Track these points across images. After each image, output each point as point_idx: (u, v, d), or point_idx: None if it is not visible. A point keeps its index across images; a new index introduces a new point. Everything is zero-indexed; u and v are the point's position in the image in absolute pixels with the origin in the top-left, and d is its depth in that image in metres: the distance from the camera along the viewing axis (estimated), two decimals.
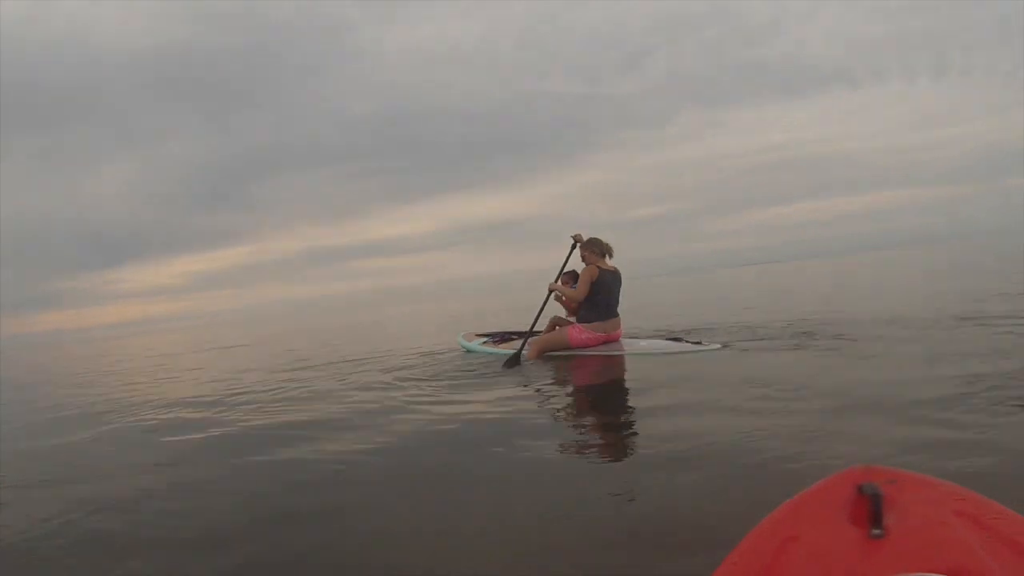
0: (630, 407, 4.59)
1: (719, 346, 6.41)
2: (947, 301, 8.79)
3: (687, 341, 6.66)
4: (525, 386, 5.69)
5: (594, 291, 6.95)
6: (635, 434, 3.81)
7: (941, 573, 0.93)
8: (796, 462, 2.74)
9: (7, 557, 2.63)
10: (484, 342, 8.38)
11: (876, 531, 1.00)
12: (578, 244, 7.28)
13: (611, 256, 7.15)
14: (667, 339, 6.90)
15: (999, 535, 0.99)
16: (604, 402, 4.99)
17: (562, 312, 8.07)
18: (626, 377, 5.78)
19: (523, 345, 7.28)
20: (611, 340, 7.04)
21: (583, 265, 7.15)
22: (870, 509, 1.01)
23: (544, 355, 7.09)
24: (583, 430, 4.14)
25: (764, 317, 9.03)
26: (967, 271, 17.01)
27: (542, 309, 7.49)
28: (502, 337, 8.48)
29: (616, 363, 6.38)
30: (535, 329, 7.67)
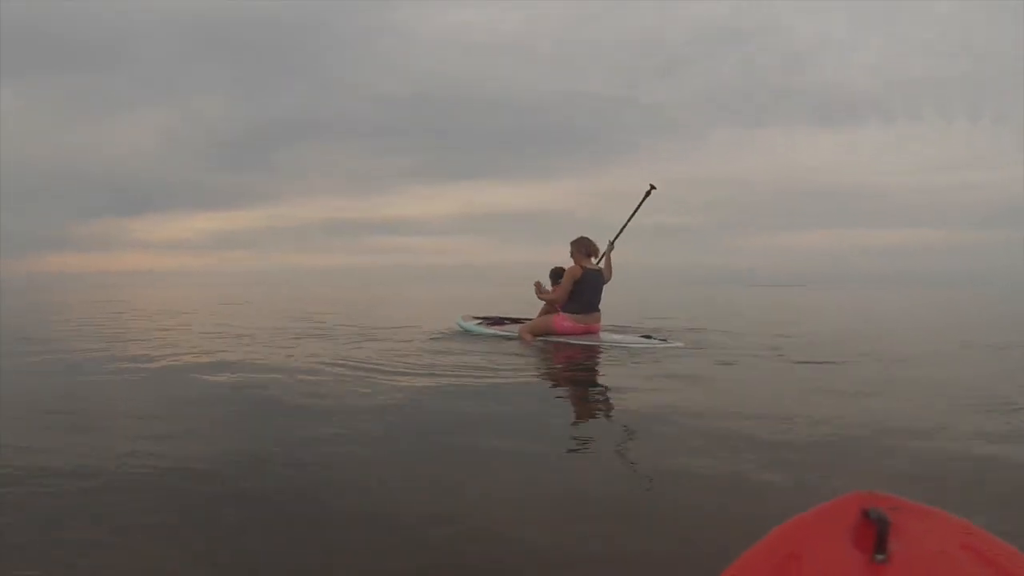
0: (597, 393, 4.63)
1: (682, 345, 6.77)
2: (941, 341, 8.58)
3: (655, 338, 6.94)
4: (511, 365, 5.68)
5: (578, 287, 7.04)
6: (601, 415, 3.82)
7: None
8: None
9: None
10: (479, 323, 8.48)
11: (880, 556, 0.89)
12: (651, 192, 7.44)
13: (596, 257, 7.22)
14: (640, 336, 7.17)
15: (1005, 573, 0.89)
16: (576, 385, 5.00)
17: (534, 312, 8.13)
18: (599, 364, 5.85)
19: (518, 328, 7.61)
20: (591, 331, 7.17)
21: (571, 263, 7.21)
22: (876, 534, 0.91)
23: (534, 337, 7.23)
24: (553, 415, 3.97)
25: (743, 330, 9.19)
26: (978, 317, 15.85)
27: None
28: (496, 321, 8.56)
29: (593, 352, 6.53)
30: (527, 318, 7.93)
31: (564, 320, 7.15)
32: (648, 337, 7.07)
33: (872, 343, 7.94)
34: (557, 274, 7.78)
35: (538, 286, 7.48)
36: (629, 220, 7.50)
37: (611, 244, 7.37)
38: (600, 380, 5.15)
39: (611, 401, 4.22)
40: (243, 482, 2.37)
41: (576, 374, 5.41)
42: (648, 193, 7.51)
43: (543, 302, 7.70)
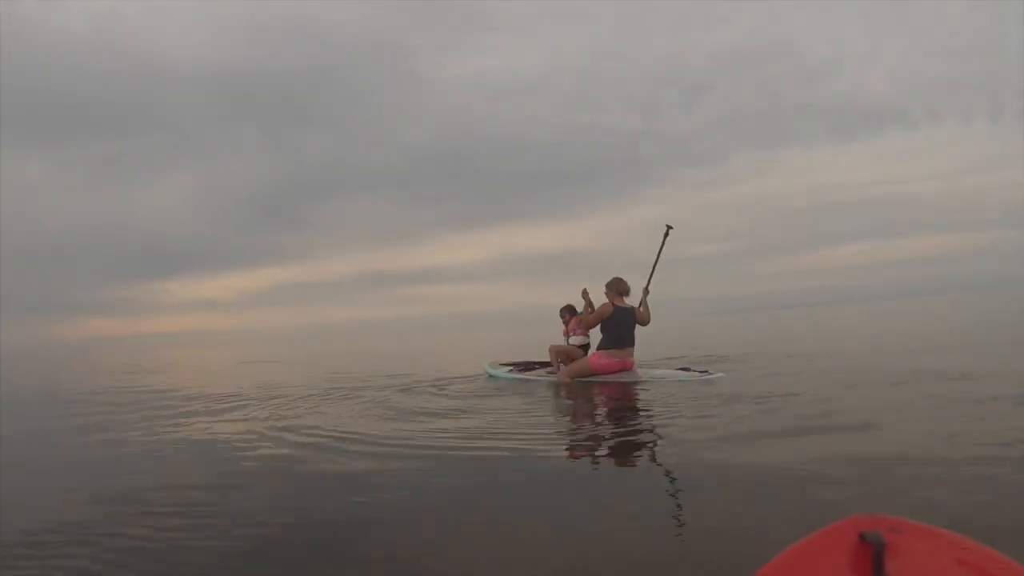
0: (636, 429, 4.57)
1: (722, 375, 6.72)
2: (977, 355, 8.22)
3: (694, 371, 6.96)
4: (555, 405, 5.81)
5: (612, 323, 7.19)
6: (634, 452, 3.77)
7: None
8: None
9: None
10: (509, 370, 8.50)
11: None
12: (669, 232, 7.62)
13: (628, 295, 7.36)
14: (678, 368, 7.26)
15: None
16: (617, 423, 4.93)
17: (560, 339, 8.42)
18: (638, 399, 5.85)
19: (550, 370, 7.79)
20: (626, 368, 7.22)
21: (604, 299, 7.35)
22: (873, 557, 0.92)
23: (573, 379, 7.34)
24: (597, 448, 3.99)
25: (780, 355, 9.06)
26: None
27: (585, 309, 7.54)
28: (526, 366, 8.59)
29: (630, 388, 6.54)
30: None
31: (601, 358, 7.25)
32: (687, 370, 7.10)
33: (910, 360, 7.74)
34: (568, 310, 8.36)
35: (585, 292, 7.55)
36: (656, 263, 7.64)
37: (646, 290, 7.48)
38: (650, 423, 4.91)
39: (668, 449, 3.98)
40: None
41: (624, 419, 5.15)
42: (667, 234, 7.65)
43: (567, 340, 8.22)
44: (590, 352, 7.67)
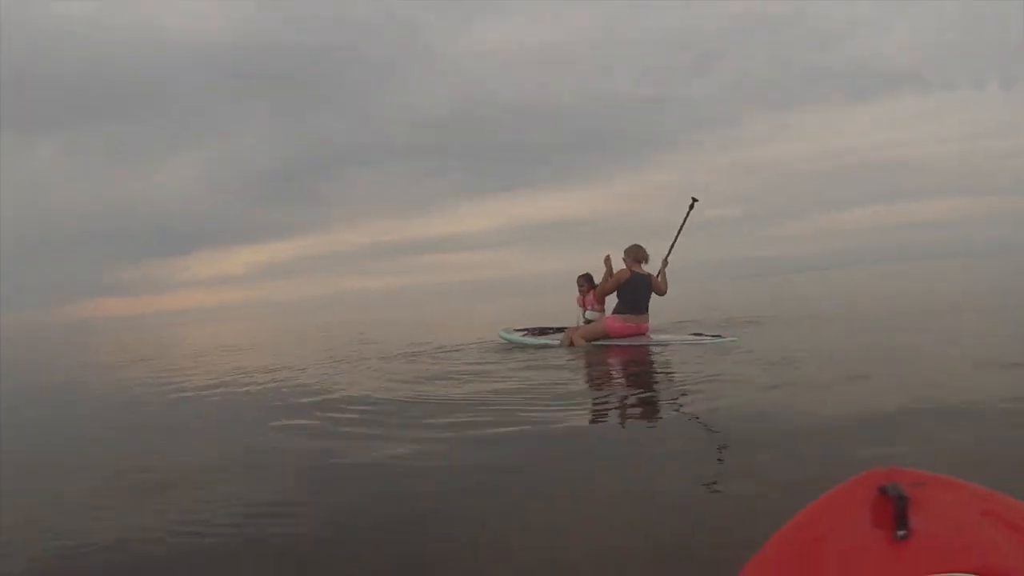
0: (648, 392, 4.62)
1: (735, 339, 6.72)
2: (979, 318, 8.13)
3: (706, 335, 7.00)
4: (573, 368, 5.86)
5: (628, 289, 7.26)
6: (657, 415, 3.81)
7: (969, 573, 0.82)
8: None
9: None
10: (524, 334, 8.55)
11: (901, 533, 0.89)
12: (695, 204, 7.53)
13: (646, 262, 7.38)
14: (691, 333, 7.28)
15: None
16: (631, 387, 4.96)
17: (576, 316, 8.31)
18: (652, 363, 5.91)
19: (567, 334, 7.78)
20: (640, 332, 7.28)
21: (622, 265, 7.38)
22: (894, 511, 0.90)
23: (586, 342, 7.42)
24: (613, 412, 4.02)
25: (793, 318, 9.02)
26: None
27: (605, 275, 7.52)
28: (540, 331, 8.62)
29: (643, 352, 6.63)
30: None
31: (615, 322, 7.31)
32: (699, 334, 7.13)
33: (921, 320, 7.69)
34: (585, 279, 8.24)
35: (608, 259, 7.49)
36: (678, 235, 7.56)
37: (665, 261, 7.44)
38: (663, 383, 5.08)
39: (683, 404, 4.08)
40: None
41: (637, 382, 5.23)
42: (691, 206, 7.54)
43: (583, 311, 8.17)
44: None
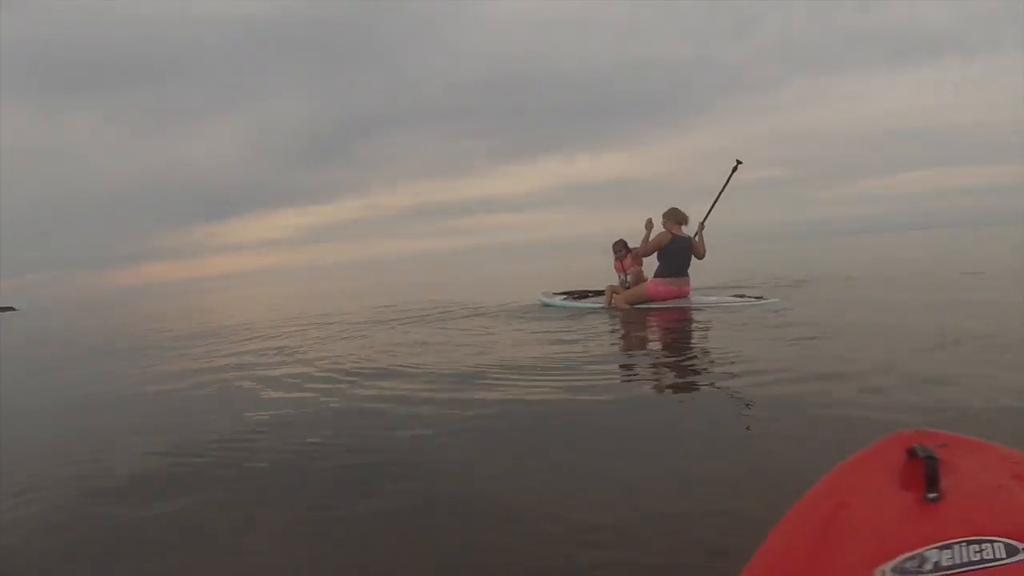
0: (686, 357, 4.58)
1: (778, 300, 6.74)
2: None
3: (749, 297, 7.01)
4: (614, 331, 5.94)
5: (669, 252, 7.23)
6: (700, 377, 3.77)
7: (1003, 536, 0.81)
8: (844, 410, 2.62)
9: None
10: (564, 299, 8.60)
11: (932, 495, 0.88)
12: (738, 167, 7.46)
13: (686, 224, 7.35)
14: (733, 295, 7.29)
15: None
16: (676, 349, 4.99)
17: (614, 280, 8.49)
18: (691, 327, 5.89)
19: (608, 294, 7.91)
20: (682, 295, 7.29)
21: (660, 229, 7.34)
22: (925, 472, 0.89)
23: (630, 305, 7.48)
24: (656, 372, 4.03)
25: (835, 282, 8.79)
26: None
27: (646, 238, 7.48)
28: (580, 294, 8.66)
29: (685, 314, 6.66)
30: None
31: (657, 285, 7.31)
32: (741, 296, 7.13)
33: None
34: (621, 245, 8.39)
35: (650, 222, 7.46)
36: (718, 198, 7.42)
37: (702, 224, 7.35)
38: (698, 348, 5.01)
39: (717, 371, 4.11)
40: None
41: (675, 347, 5.22)
42: (735, 169, 7.40)
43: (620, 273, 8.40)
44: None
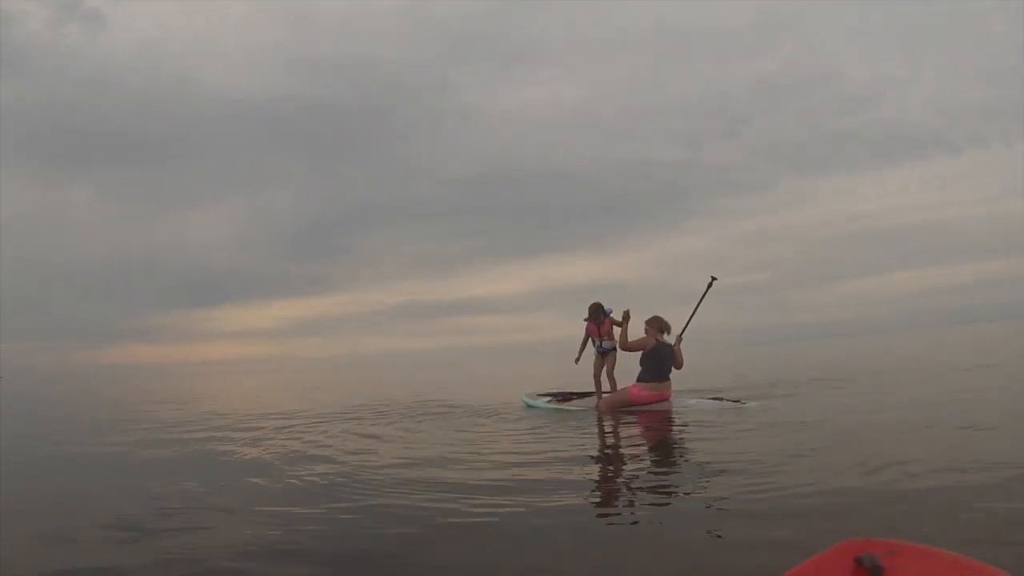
0: (672, 457, 4.57)
1: (755, 404, 6.84)
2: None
3: (727, 400, 7.12)
4: (599, 433, 5.90)
5: (652, 358, 7.36)
6: (672, 478, 3.71)
7: None
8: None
9: None
10: (548, 400, 8.46)
11: None
12: (713, 283, 7.70)
13: (668, 332, 7.50)
14: (710, 398, 7.41)
15: None
16: (655, 451, 4.98)
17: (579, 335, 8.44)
18: (670, 430, 5.91)
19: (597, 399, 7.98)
20: (663, 399, 7.33)
21: (643, 333, 7.47)
22: None
23: (613, 410, 7.47)
24: (630, 474, 3.97)
25: (816, 385, 8.85)
26: None
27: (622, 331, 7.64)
28: (564, 396, 8.55)
29: (668, 416, 6.68)
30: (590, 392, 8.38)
31: (641, 390, 7.35)
32: (719, 399, 7.19)
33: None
34: (598, 308, 8.17)
35: (627, 314, 7.66)
36: (694, 313, 7.67)
37: (679, 337, 7.55)
38: (675, 451, 5.00)
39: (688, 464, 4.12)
40: None
41: (648, 449, 5.23)
42: (710, 285, 7.69)
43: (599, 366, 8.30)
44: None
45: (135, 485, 4.42)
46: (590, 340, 8.35)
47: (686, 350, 7.57)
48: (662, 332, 7.47)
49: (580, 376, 9.43)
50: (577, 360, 8.38)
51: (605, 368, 8.18)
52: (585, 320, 8.27)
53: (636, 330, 7.54)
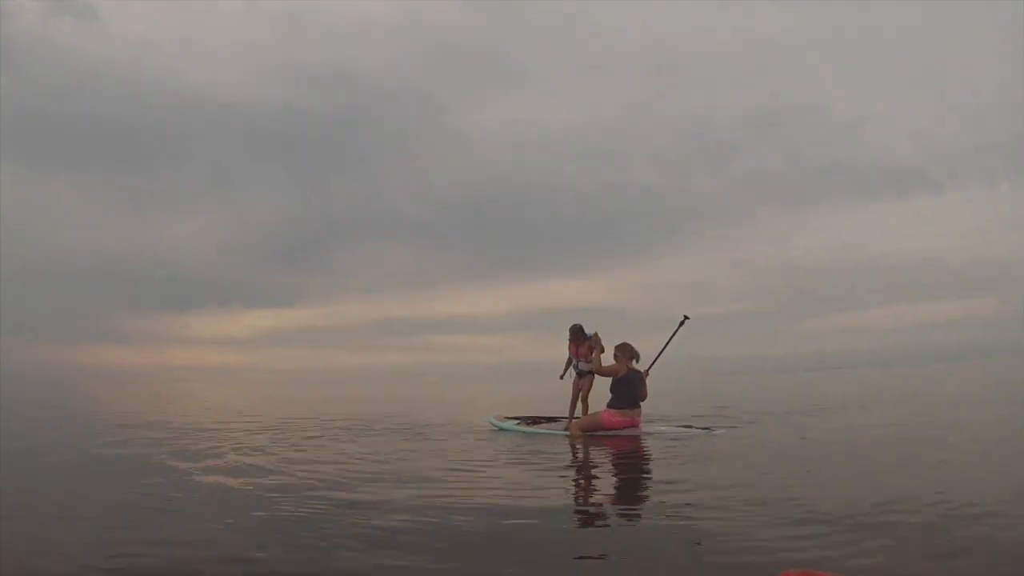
0: (643, 478, 4.59)
1: (724, 432, 6.91)
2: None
3: (695, 428, 7.22)
4: (571, 456, 5.92)
5: (624, 385, 7.42)
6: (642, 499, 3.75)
7: None
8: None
9: None
10: (517, 423, 8.40)
11: None
12: (685, 322, 7.74)
13: (638, 360, 7.54)
14: (680, 425, 7.50)
15: None
16: (624, 473, 5.01)
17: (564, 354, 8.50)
18: (635, 455, 5.94)
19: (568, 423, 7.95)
20: (634, 425, 7.36)
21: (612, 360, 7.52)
22: None
23: (584, 433, 7.45)
24: (597, 496, 3.99)
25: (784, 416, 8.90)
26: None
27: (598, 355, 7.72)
28: (532, 420, 8.55)
29: (638, 442, 6.71)
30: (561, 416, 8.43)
31: (612, 416, 7.37)
32: (688, 426, 7.30)
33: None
34: (579, 330, 8.22)
35: (597, 338, 7.78)
36: (663, 350, 7.73)
37: (646, 372, 7.60)
38: (637, 476, 5.01)
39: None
40: None
41: (612, 474, 5.20)
42: (682, 323, 7.78)
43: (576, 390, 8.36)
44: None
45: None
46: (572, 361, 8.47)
47: (658, 378, 7.62)
48: (631, 359, 7.52)
49: (550, 397, 9.40)
50: (562, 376, 8.55)
51: (582, 391, 8.23)
52: (568, 340, 8.41)
53: (605, 355, 7.60)
